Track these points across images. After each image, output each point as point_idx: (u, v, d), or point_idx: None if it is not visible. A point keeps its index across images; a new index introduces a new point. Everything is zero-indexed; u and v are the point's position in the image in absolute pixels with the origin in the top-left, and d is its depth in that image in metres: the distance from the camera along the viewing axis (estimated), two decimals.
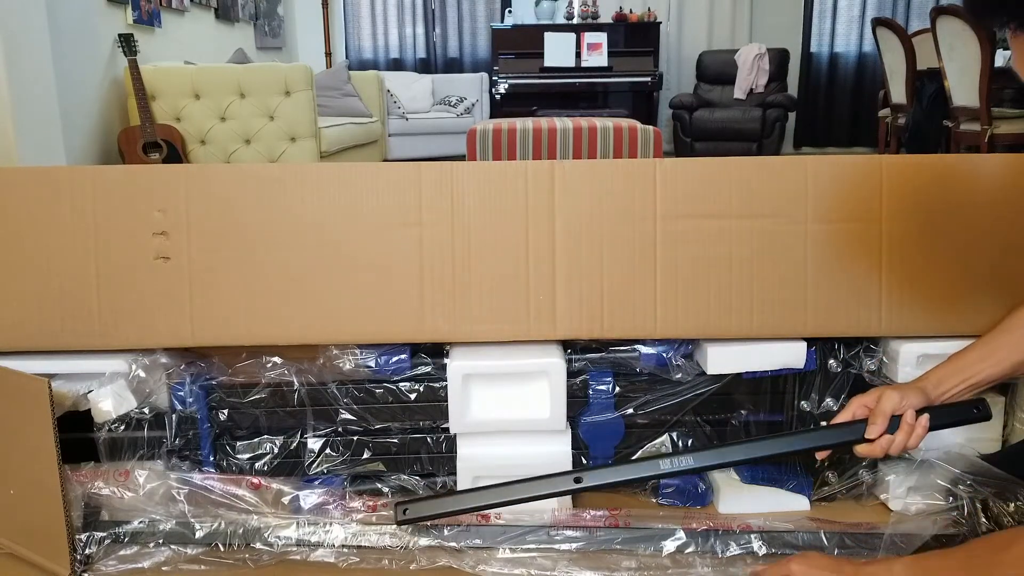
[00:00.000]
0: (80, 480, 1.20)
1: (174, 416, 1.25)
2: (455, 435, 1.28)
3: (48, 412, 1.08)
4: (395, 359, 1.26)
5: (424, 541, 1.15)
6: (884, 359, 1.27)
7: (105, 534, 1.16)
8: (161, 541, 1.16)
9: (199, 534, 1.16)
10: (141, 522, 1.18)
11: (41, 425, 1.08)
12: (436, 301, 1.23)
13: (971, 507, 1.10)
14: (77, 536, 1.13)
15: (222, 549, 1.15)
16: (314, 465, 1.29)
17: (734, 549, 1.14)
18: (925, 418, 1.05)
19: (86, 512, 1.18)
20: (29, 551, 1.14)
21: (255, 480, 1.24)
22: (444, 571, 1.13)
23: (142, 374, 1.24)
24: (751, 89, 6.14)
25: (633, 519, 1.20)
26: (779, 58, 6.16)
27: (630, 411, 1.29)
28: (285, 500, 1.22)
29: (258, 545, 1.15)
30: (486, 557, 1.13)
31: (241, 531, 1.16)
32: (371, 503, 1.23)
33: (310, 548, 1.16)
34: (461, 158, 4.11)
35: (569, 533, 1.16)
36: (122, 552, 1.15)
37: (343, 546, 1.16)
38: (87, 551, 1.14)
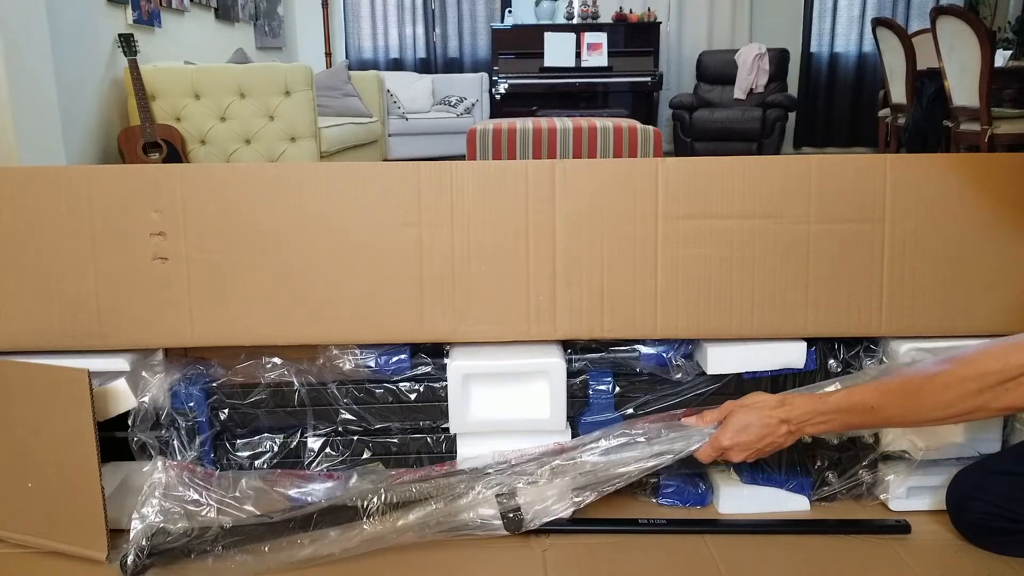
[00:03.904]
0: None
1: (174, 416, 1.25)
2: (455, 435, 1.28)
3: (88, 400, 1.10)
4: (395, 359, 1.26)
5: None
6: (884, 359, 1.27)
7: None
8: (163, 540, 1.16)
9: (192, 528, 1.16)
10: (138, 520, 1.18)
11: (79, 413, 1.11)
12: (436, 301, 1.23)
13: None
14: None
15: (226, 549, 1.15)
16: (314, 464, 1.29)
17: None
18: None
19: None
20: (54, 541, 1.15)
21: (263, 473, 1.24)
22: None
23: (142, 374, 1.23)
24: (751, 89, 6.14)
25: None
26: (779, 58, 6.16)
27: (630, 411, 1.29)
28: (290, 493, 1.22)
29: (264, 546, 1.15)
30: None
31: (244, 528, 1.16)
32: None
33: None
34: (461, 158, 4.10)
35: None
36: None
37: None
38: None
